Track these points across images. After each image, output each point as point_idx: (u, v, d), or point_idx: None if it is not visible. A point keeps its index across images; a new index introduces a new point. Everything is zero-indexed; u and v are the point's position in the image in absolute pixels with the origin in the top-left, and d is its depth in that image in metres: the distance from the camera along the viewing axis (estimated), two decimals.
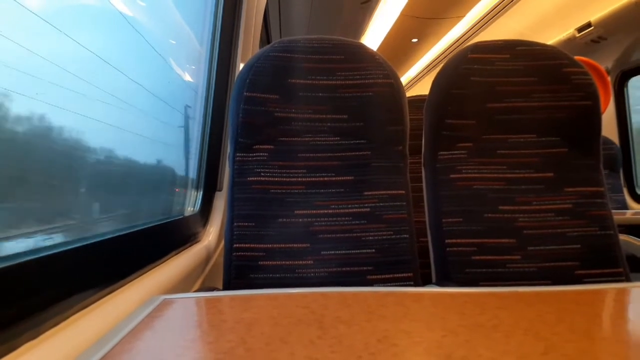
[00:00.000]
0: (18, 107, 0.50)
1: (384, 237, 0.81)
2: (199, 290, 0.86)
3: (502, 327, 0.37)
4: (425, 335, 0.36)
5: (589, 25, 2.23)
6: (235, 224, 0.80)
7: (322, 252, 0.79)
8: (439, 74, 0.94)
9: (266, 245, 0.79)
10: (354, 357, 0.31)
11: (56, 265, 0.47)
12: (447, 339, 0.35)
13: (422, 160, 0.94)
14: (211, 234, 1.12)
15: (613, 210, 0.86)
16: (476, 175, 0.87)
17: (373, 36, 3.49)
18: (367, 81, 0.86)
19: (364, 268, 0.79)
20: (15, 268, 0.40)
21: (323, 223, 0.81)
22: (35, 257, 0.43)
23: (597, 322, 0.41)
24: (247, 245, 0.79)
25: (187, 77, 1.22)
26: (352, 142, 0.86)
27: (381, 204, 0.83)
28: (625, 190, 2.47)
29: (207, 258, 1.01)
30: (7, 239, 0.48)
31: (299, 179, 0.83)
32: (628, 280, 0.82)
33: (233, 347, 0.33)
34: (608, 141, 2.29)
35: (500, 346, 0.33)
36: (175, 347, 0.34)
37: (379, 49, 3.65)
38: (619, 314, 0.46)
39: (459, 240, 0.83)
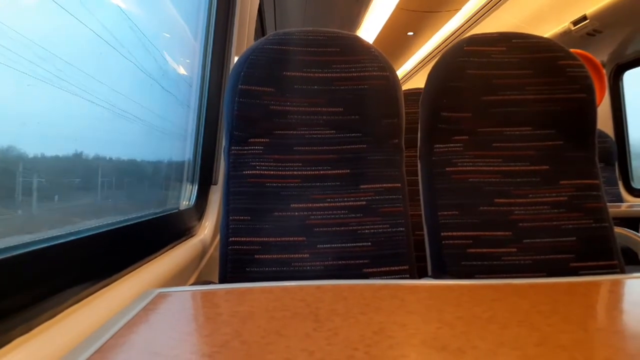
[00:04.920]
0: None
1: (380, 230, 0.81)
2: (195, 284, 0.86)
3: (498, 318, 0.37)
4: (421, 327, 0.36)
5: (584, 18, 2.23)
6: (230, 217, 0.80)
7: (318, 246, 0.79)
8: (434, 66, 0.94)
9: (262, 239, 0.79)
10: (349, 349, 0.31)
11: (49, 259, 0.46)
12: (442, 330, 0.35)
13: (418, 153, 0.94)
14: (207, 228, 1.12)
15: (608, 203, 0.87)
16: (472, 168, 0.87)
17: (369, 29, 3.47)
18: (362, 74, 0.86)
19: (360, 261, 0.79)
20: (7, 261, 0.39)
21: (319, 216, 0.81)
22: (28, 250, 0.43)
23: (592, 313, 0.42)
24: (242, 239, 0.79)
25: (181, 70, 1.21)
26: (348, 135, 0.85)
27: (377, 197, 0.83)
28: (620, 184, 2.48)
29: (203, 252, 1.00)
30: None
31: (295, 173, 0.83)
32: (623, 272, 0.82)
33: (228, 340, 0.33)
34: (603, 134, 2.30)
35: (495, 337, 0.33)
36: (170, 340, 0.34)
37: (374, 42, 3.63)
38: (613, 305, 0.47)
39: (454, 233, 0.83)
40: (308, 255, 0.78)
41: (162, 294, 0.47)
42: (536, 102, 0.89)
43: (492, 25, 2.86)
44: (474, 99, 0.89)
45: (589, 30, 2.27)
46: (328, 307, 0.41)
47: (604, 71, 2.37)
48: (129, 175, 0.89)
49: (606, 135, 2.34)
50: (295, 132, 0.84)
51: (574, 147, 0.89)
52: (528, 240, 0.82)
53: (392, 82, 0.87)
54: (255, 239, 0.79)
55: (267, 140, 0.84)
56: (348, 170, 0.84)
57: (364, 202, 0.82)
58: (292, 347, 0.32)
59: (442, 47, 3.60)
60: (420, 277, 0.84)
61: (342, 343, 0.32)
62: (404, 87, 1.05)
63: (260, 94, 0.84)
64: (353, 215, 0.81)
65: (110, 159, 0.79)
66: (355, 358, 0.30)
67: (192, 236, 1.03)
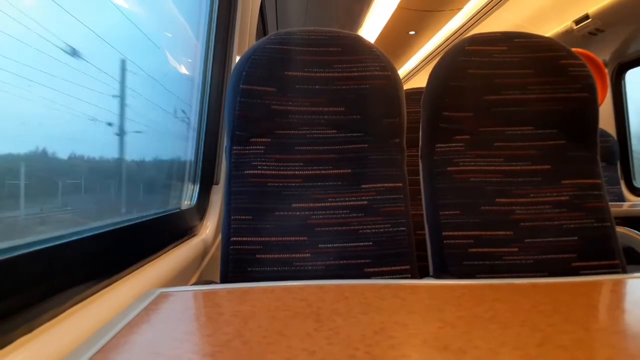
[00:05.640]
0: None
1: (381, 230, 0.81)
2: (196, 283, 0.86)
3: (499, 318, 0.37)
4: (422, 327, 0.36)
5: (586, 17, 2.22)
6: (232, 217, 0.80)
7: (319, 245, 0.79)
8: (436, 66, 0.93)
9: (263, 239, 0.79)
10: (350, 349, 0.31)
11: (52, 259, 0.46)
12: (444, 330, 0.35)
13: (420, 153, 0.94)
14: (208, 228, 1.12)
15: (610, 203, 0.86)
16: (473, 167, 0.87)
17: (370, 29, 3.47)
18: (364, 73, 0.86)
19: (361, 261, 0.79)
20: (9, 261, 0.39)
21: (320, 216, 0.81)
22: (31, 250, 0.43)
23: (593, 313, 0.41)
24: (244, 239, 0.79)
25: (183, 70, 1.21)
26: (349, 135, 0.85)
27: (378, 197, 0.83)
28: (622, 183, 2.48)
29: (204, 251, 1.00)
30: None
31: (296, 172, 0.83)
32: (624, 272, 0.82)
33: (230, 340, 0.33)
34: (605, 134, 2.30)
35: (497, 337, 0.33)
36: (171, 340, 0.34)
37: (376, 41, 3.63)
38: (614, 304, 0.46)
39: (456, 233, 0.83)
40: (309, 255, 0.78)
41: (163, 294, 0.47)
42: (538, 101, 0.89)
43: (494, 24, 2.86)
44: (475, 98, 0.89)
45: (591, 29, 2.26)
46: (329, 307, 0.41)
47: (606, 70, 2.36)
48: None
49: (608, 135, 2.33)
50: (296, 131, 0.84)
51: (575, 147, 0.88)
52: (529, 240, 0.82)
53: (394, 81, 0.87)
54: (257, 239, 0.79)
55: (269, 140, 0.84)
56: (349, 170, 0.84)
57: (366, 202, 0.82)
58: (294, 347, 0.32)
59: (443, 46, 3.60)
60: (421, 276, 0.84)
61: (343, 343, 0.32)
62: (406, 87, 1.05)
63: (262, 93, 0.84)
64: (354, 214, 0.81)
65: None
66: (356, 358, 0.30)
67: (193, 236, 1.03)
